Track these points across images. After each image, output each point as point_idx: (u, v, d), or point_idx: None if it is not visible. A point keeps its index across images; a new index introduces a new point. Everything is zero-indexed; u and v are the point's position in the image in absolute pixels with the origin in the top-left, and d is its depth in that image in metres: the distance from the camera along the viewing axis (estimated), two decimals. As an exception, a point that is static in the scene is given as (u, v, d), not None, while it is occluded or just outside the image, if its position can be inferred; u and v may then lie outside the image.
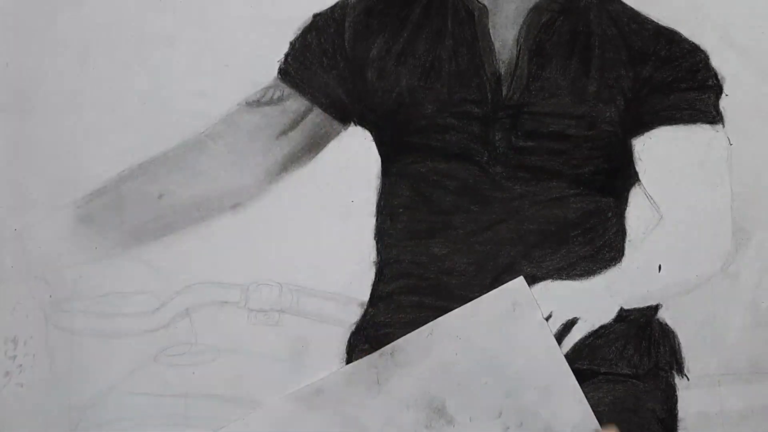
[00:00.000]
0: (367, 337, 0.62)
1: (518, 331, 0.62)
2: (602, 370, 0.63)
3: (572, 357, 0.63)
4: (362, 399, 0.61)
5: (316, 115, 0.64)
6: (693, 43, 0.66)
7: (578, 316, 0.63)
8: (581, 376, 0.62)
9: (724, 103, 0.66)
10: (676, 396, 0.63)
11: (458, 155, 0.64)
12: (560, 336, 0.63)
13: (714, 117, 0.66)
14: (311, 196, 0.63)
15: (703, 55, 0.66)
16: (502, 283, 0.63)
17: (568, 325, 0.63)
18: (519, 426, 0.61)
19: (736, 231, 0.65)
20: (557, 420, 0.61)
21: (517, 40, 0.65)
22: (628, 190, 0.65)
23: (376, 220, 0.63)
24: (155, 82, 0.63)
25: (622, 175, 0.65)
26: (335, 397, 0.60)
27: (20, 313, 0.60)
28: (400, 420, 0.61)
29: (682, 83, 0.66)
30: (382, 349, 0.61)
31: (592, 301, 0.63)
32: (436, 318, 0.62)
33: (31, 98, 0.62)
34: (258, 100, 0.64)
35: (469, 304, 0.62)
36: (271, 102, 0.64)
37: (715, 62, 0.66)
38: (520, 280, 0.63)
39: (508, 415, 0.61)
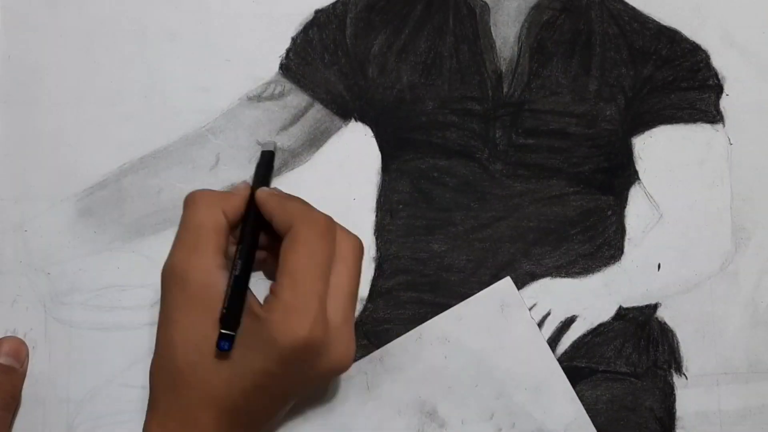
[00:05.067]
0: (366, 333, 0.62)
1: (507, 331, 0.62)
2: (600, 368, 0.63)
3: (570, 355, 0.63)
4: (352, 406, 0.60)
5: (317, 111, 0.64)
6: (694, 42, 0.66)
7: (577, 314, 0.63)
8: (579, 374, 0.62)
9: (724, 103, 0.66)
10: (675, 395, 0.63)
11: (458, 152, 0.64)
12: (558, 334, 0.63)
13: (714, 116, 0.66)
14: (311, 192, 0.63)
15: (703, 55, 0.66)
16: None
17: (567, 323, 0.63)
18: (512, 427, 0.61)
19: (736, 230, 0.65)
20: (550, 420, 0.62)
21: (519, 38, 0.66)
22: (627, 189, 0.65)
23: (376, 216, 0.63)
24: (156, 76, 0.63)
25: (622, 174, 0.65)
26: (325, 405, 0.60)
27: (20, 306, 0.60)
28: (392, 426, 0.61)
29: (682, 82, 0.66)
30: (371, 354, 0.61)
31: (591, 299, 0.63)
32: (435, 314, 0.62)
33: (33, 91, 0.63)
34: (259, 95, 0.64)
35: (456, 307, 0.62)
36: (272, 97, 0.64)
37: (716, 62, 0.66)
38: (507, 281, 0.63)
39: (500, 417, 0.61)
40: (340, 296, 0.53)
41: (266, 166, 0.59)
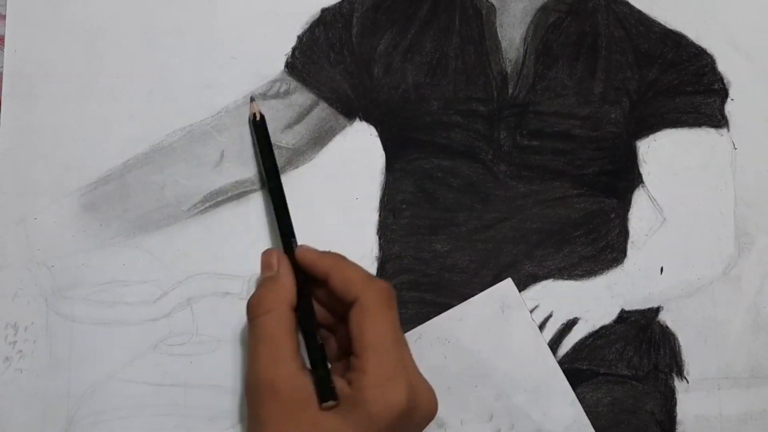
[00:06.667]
0: (368, 332, 0.62)
1: (507, 333, 0.62)
2: (601, 370, 0.63)
3: (572, 357, 0.63)
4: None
5: (322, 110, 0.64)
6: (700, 46, 0.66)
7: (578, 316, 0.63)
8: (580, 377, 0.62)
9: (729, 108, 0.66)
10: (675, 398, 0.63)
11: (463, 153, 0.64)
12: (560, 336, 0.63)
13: (719, 121, 0.66)
14: (315, 190, 0.63)
15: (709, 59, 0.66)
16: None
17: (569, 325, 0.63)
18: (511, 428, 0.61)
19: (739, 235, 0.65)
20: (549, 421, 0.61)
21: (524, 40, 0.66)
22: (631, 192, 0.65)
23: (379, 215, 0.63)
24: (162, 72, 0.63)
25: (626, 177, 0.65)
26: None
27: (21, 299, 0.60)
28: (391, 425, 0.61)
29: (687, 86, 0.66)
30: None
31: (593, 301, 0.63)
32: (437, 314, 0.62)
33: (38, 85, 0.63)
34: (264, 93, 0.64)
35: (456, 307, 0.62)
36: (277, 95, 0.64)
37: (722, 66, 0.66)
38: (508, 282, 0.63)
39: (499, 418, 0.61)
40: (408, 353, 0.54)
41: (267, 139, 0.59)
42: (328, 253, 0.57)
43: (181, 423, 0.59)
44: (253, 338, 0.54)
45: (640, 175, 0.65)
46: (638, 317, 0.64)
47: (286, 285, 0.55)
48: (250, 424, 0.53)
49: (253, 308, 0.54)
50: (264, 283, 0.56)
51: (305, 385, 0.52)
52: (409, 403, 0.51)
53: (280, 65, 0.64)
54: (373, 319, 0.53)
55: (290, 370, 0.52)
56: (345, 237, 0.63)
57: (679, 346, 0.63)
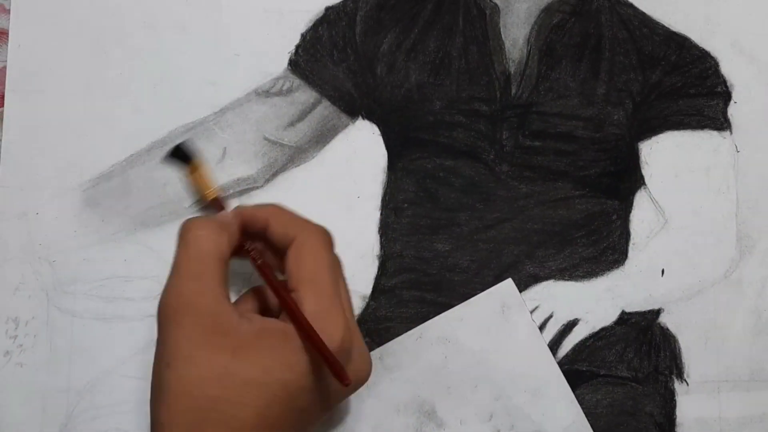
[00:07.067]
0: (368, 331, 0.62)
1: (507, 333, 0.62)
2: (601, 372, 0.63)
3: (572, 358, 0.63)
4: (350, 404, 0.60)
5: (325, 108, 0.64)
6: (703, 49, 0.66)
7: (579, 318, 0.63)
8: (580, 378, 0.62)
9: (732, 110, 0.66)
10: (675, 401, 0.63)
11: (465, 153, 0.64)
12: (560, 337, 0.63)
13: (722, 124, 0.66)
14: (317, 188, 0.63)
15: (713, 62, 0.66)
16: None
17: (569, 326, 0.63)
18: (510, 429, 0.61)
19: (741, 238, 0.65)
20: (549, 422, 0.61)
21: (528, 40, 0.66)
22: (633, 194, 0.65)
23: (381, 214, 0.63)
24: (166, 68, 0.64)
25: (628, 179, 0.65)
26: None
27: (23, 294, 0.60)
28: (390, 424, 0.61)
29: (691, 89, 0.66)
30: (371, 352, 0.61)
31: (594, 302, 0.63)
32: (437, 314, 0.62)
33: (42, 80, 0.63)
34: (267, 91, 0.64)
35: (457, 307, 0.62)
36: (280, 93, 0.64)
37: (725, 69, 0.66)
38: (508, 282, 0.63)
39: (498, 418, 0.61)
40: (347, 303, 0.53)
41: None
42: (267, 203, 0.55)
43: (180, 419, 0.59)
44: (182, 255, 0.51)
45: (642, 177, 0.65)
46: (639, 319, 0.63)
47: (230, 224, 0.53)
48: (159, 349, 0.50)
49: (188, 226, 0.52)
50: (210, 218, 0.54)
51: (228, 313, 0.49)
52: (344, 343, 0.49)
53: (284, 63, 0.64)
54: (311, 256, 0.51)
55: (217, 294, 0.50)
56: (346, 235, 0.62)
57: (679, 348, 0.63)
